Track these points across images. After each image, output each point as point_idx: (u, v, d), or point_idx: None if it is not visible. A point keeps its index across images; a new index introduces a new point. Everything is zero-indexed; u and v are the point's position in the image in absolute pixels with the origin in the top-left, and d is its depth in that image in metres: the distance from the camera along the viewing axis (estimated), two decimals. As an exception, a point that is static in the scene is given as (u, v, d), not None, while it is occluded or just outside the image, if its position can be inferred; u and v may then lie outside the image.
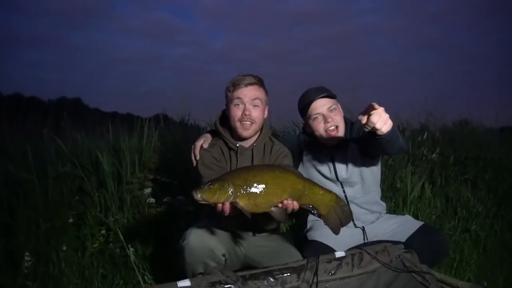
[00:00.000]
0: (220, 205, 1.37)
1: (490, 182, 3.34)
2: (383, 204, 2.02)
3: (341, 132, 1.87)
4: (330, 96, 1.86)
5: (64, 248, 2.39)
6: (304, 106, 1.88)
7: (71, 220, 2.60)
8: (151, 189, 2.70)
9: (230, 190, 1.36)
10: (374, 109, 1.43)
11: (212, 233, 1.59)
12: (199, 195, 1.35)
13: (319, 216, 1.50)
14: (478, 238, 2.74)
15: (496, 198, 3.17)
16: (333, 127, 1.84)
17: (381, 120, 1.43)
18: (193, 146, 1.80)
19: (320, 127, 1.85)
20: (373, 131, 1.47)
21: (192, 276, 1.52)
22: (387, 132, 1.47)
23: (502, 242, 2.76)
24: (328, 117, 1.83)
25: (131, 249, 2.17)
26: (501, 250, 2.64)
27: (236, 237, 1.72)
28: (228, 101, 1.75)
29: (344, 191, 1.90)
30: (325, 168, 1.92)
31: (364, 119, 1.45)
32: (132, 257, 2.07)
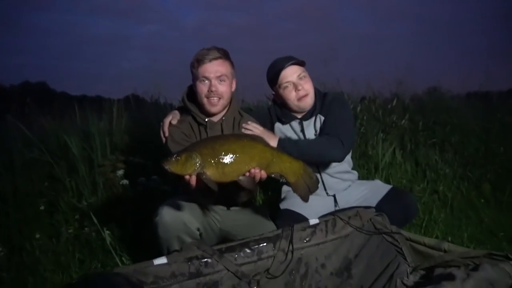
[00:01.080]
0: (187, 176, 1.36)
1: (456, 145, 3.48)
2: (355, 172, 2.07)
3: (310, 100, 1.89)
4: (299, 63, 1.86)
5: (38, 236, 2.34)
6: (273, 75, 1.88)
7: (42, 208, 2.54)
8: (124, 170, 2.65)
9: (198, 160, 1.35)
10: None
11: (185, 208, 1.59)
12: (167, 167, 1.33)
13: (288, 184, 1.51)
14: (446, 198, 2.87)
15: (462, 160, 3.32)
16: (304, 95, 1.86)
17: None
18: (161, 123, 1.77)
19: (291, 96, 1.87)
20: None
21: (167, 251, 1.53)
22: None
23: (467, 201, 2.91)
24: (298, 84, 1.85)
25: (107, 231, 2.15)
26: (466, 209, 2.79)
27: (210, 212, 1.73)
28: (194, 77, 1.72)
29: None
30: (296, 138, 1.93)
31: None
32: (108, 240, 2.05)
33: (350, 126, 1.88)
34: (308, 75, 1.91)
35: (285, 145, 1.72)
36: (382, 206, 1.79)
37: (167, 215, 1.52)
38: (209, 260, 1.39)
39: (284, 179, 1.49)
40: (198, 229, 1.59)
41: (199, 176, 1.37)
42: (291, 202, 1.88)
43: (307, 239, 1.56)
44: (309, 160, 1.61)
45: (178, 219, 1.53)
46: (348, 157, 2.04)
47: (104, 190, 2.61)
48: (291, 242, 1.51)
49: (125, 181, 2.61)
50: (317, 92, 1.94)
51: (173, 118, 1.77)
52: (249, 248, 1.46)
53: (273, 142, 1.70)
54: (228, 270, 1.40)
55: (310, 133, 1.91)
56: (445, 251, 1.33)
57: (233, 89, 1.76)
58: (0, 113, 3.44)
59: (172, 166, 1.34)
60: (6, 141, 2.95)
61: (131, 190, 2.59)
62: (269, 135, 1.73)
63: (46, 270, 2.09)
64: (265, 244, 1.49)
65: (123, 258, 2.11)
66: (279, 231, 1.54)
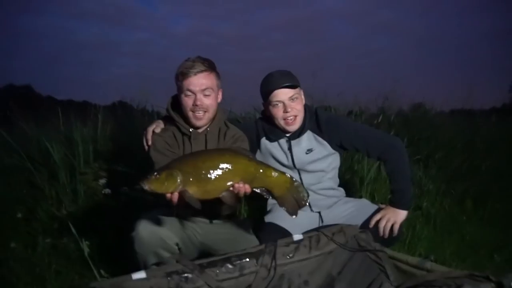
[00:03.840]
0: (168, 194, 1.32)
1: (440, 161, 3.54)
2: (341, 189, 2.06)
3: (298, 122, 1.86)
4: (293, 85, 1.83)
5: (13, 245, 2.26)
6: (265, 91, 1.85)
7: (20, 215, 2.46)
8: (106, 179, 2.60)
9: (179, 178, 1.31)
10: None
11: (163, 222, 1.55)
12: (147, 186, 1.29)
13: (274, 199, 1.48)
14: (429, 214, 2.90)
15: (446, 176, 3.37)
16: (291, 117, 1.83)
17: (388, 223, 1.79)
18: (144, 132, 1.75)
19: (279, 115, 1.84)
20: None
21: (144, 266, 1.48)
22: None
23: (450, 218, 2.95)
24: (288, 106, 1.82)
25: (86, 242, 2.08)
26: (449, 225, 2.83)
27: (190, 225, 1.69)
28: (179, 90, 1.69)
29: (301, 178, 1.92)
30: (282, 156, 1.92)
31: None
32: (87, 251, 1.98)
33: (373, 129, 2.06)
34: (301, 95, 1.88)
35: (403, 200, 1.86)
36: (367, 226, 1.77)
37: (144, 230, 1.48)
38: (190, 276, 1.34)
39: (269, 195, 1.45)
40: (177, 244, 1.54)
41: (180, 194, 1.33)
42: (276, 215, 1.86)
43: (290, 255, 1.53)
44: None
45: (155, 235, 1.48)
46: (334, 174, 2.03)
47: (85, 199, 2.55)
48: (274, 258, 1.48)
49: (108, 190, 2.55)
50: (307, 109, 1.91)
51: (156, 127, 1.74)
52: (231, 264, 1.43)
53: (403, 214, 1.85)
54: (209, 286, 1.36)
55: (298, 151, 1.90)
56: (428, 271, 1.33)
57: (219, 100, 1.74)
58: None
59: (152, 185, 1.29)
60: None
61: (113, 199, 2.54)
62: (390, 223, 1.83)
63: (20, 281, 2.00)
64: (247, 259, 1.45)
65: (101, 270, 2.05)
66: (262, 246, 1.50)
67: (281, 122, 1.86)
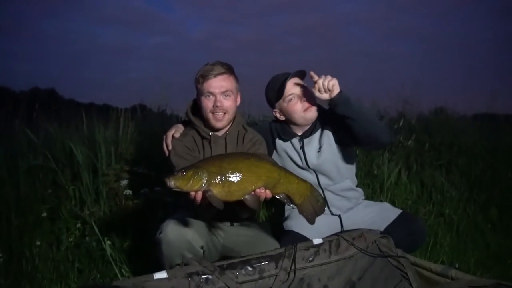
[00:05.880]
0: (193, 193, 1.34)
1: (463, 167, 3.44)
2: (359, 190, 2.02)
3: (315, 111, 1.86)
4: (299, 75, 1.85)
5: (38, 243, 2.32)
6: (276, 90, 1.86)
7: (44, 214, 2.53)
8: (127, 180, 2.64)
9: (205, 177, 1.33)
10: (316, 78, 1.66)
11: (190, 225, 1.57)
12: (172, 182, 1.31)
13: (294, 205, 1.48)
14: (452, 221, 2.82)
15: (469, 183, 3.27)
16: (309, 105, 1.83)
17: (325, 80, 1.66)
18: (164, 137, 1.78)
19: (297, 108, 1.84)
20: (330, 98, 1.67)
21: (169, 268, 1.49)
22: (338, 94, 1.66)
23: (474, 225, 2.86)
24: (302, 96, 1.83)
25: (108, 242, 2.13)
26: (472, 233, 2.74)
27: (213, 228, 1.70)
28: (199, 92, 1.72)
29: (318, 179, 1.90)
30: (296, 156, 1.91)
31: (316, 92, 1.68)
32: (109, 250, 2.03)
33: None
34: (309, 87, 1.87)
35: (343, 100, 1.68)
36: (390, 232, 1.72)
37: (171, 232, 1.50)
38: (210, 277, 1.36)
39: (289, 201, 1.46)
40: (202, 247, 1.56)
41: (204, 194, 1.35)
42: (295, 223, 1.83)
43: (310, 259, 1.53)
44: (360, 124, 1.66)
45: (183, 237, 1.50)
46: (352, 174, 2.01)
47: (107, 200, 2.60)
48: (293, 261, 1.48)
49: (129, 191, 2.60)
50: (319, 107, 1.90)
51: (175, 131, 1.77)
52: (251, 266, 1.44)
53: (336, 84, 1.69)
54: (229, 288, 1.38)
55: (310, 150, 1.88)
56: (452, 279, 1.30)
57: (238, 103, 1.76)
58: (8, 118, 3.46)
59: (178, 182, 1.31)
60: (12, 146, 2.96)
61: (134, 200, 2.58)
62: (329, 78, 1.69)
63: (44, 278, 2.07)
64: (267, 262, 1.46)
65: (122, 270, 2.09)
66: (282, 249, 1.51)
67: (301, 114, 1.84)
